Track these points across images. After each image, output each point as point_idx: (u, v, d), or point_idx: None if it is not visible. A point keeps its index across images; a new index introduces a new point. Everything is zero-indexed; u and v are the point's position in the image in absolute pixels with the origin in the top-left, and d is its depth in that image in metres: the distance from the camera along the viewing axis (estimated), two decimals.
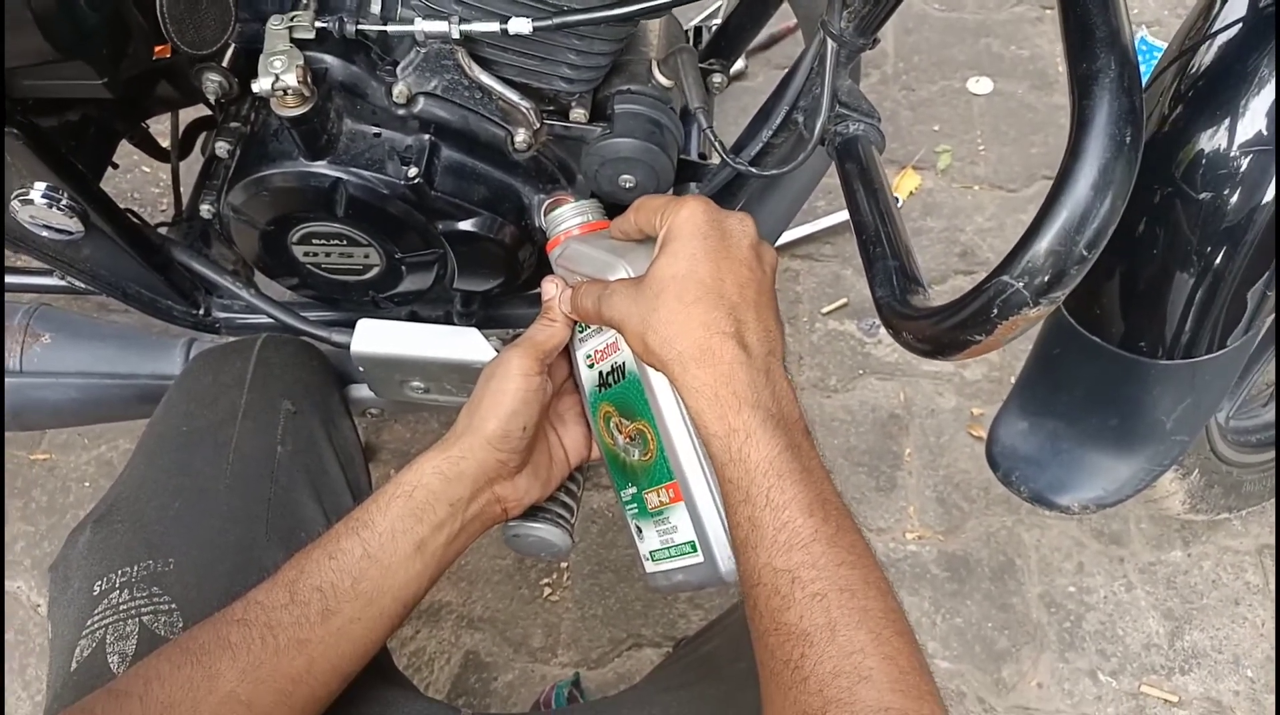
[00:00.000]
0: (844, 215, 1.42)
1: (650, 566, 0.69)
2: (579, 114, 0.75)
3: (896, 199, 1.43)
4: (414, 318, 0.92)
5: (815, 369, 1.32)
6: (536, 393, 0.65)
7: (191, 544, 0.70)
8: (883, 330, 1.37)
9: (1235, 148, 0.68)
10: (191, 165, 0.91)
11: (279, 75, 0.65)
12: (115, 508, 0.74)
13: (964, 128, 1.55)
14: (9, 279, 0.92)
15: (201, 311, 0.93)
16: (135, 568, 0.68)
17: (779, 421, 0.55)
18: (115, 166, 0.93)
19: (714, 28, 0.94)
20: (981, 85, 1.59)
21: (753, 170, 0.74)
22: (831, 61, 0.69)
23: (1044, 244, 0.45)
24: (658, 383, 0.62)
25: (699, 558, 0.63)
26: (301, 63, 0.66)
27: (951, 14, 1.69)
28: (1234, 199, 0.69)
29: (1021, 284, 0.45)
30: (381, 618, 0.62)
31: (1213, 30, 0.70)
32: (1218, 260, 0.72)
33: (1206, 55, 0.70)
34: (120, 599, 0.67)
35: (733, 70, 1.54)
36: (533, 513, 0.73)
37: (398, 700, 0.70)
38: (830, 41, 0.69)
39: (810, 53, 0.72)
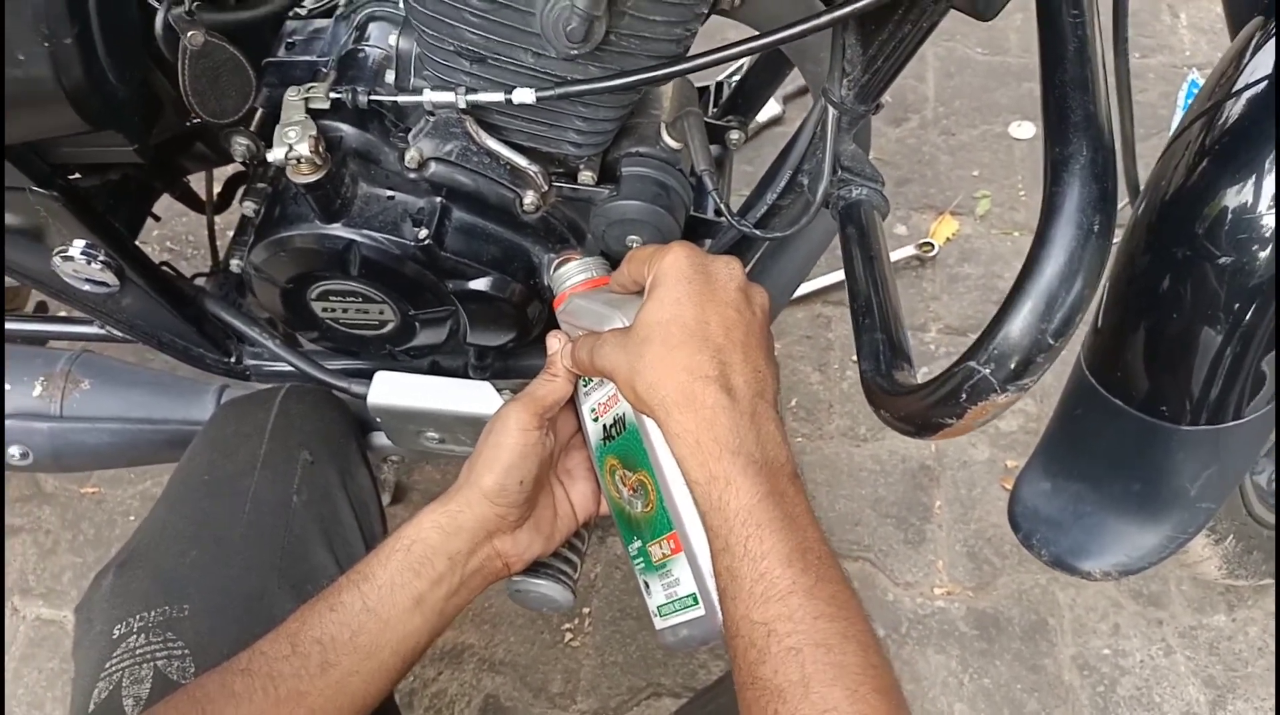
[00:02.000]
0: None
1: (659, 623, 0.68)
2: (587, 176, 0.77)
3: (932, 245, 1.42)
4: (435, 367, 0.94)
5: (845, 417, 1.31)
6: (535, 447, 0.66)
7: (206, 591, 0.72)
8: (914, 378, 1.35)
9: (1262, 206, 0.66)
10: (231, 217, 0.95)
11: (292, 145, 0.68)
12: (136, 553, 0.77)
13: (1004, 173, 1.53)
14: (55, 328, 0.96)
15: (233, 359, 0.96)
16: (152, 613, 0.71)
17: (761, 467, 0.54)
18: (157, 218, 0.98)
19: (733, 84, 0.95)
20: (1024, 130, 1.57)
21: (756, 232, 0.75)
22: (833, 128, 0.70)
23: (1011, 331, 0.45)
24: (653, 431, 0.62)
25: (701, 610, 0.63)
26: (315, 133, 0.69)
27: (995, 58, 1.67)
28: (1260, 259, 0.67)
29: (989, 371, 0.45)
30: (380, 671, 0.63)
31: (1239, 86, 0.69)
32: (1243, 324, 0.69)
33: (1233, 110, 0.69)
34: (137, 643, 0.69)
35: (769, 116, 1.56)
36: (535, 568, 0.74)
37: None
38: (831, 109, 0.69)
39: (813, 118, 0.72)
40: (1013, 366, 0.44)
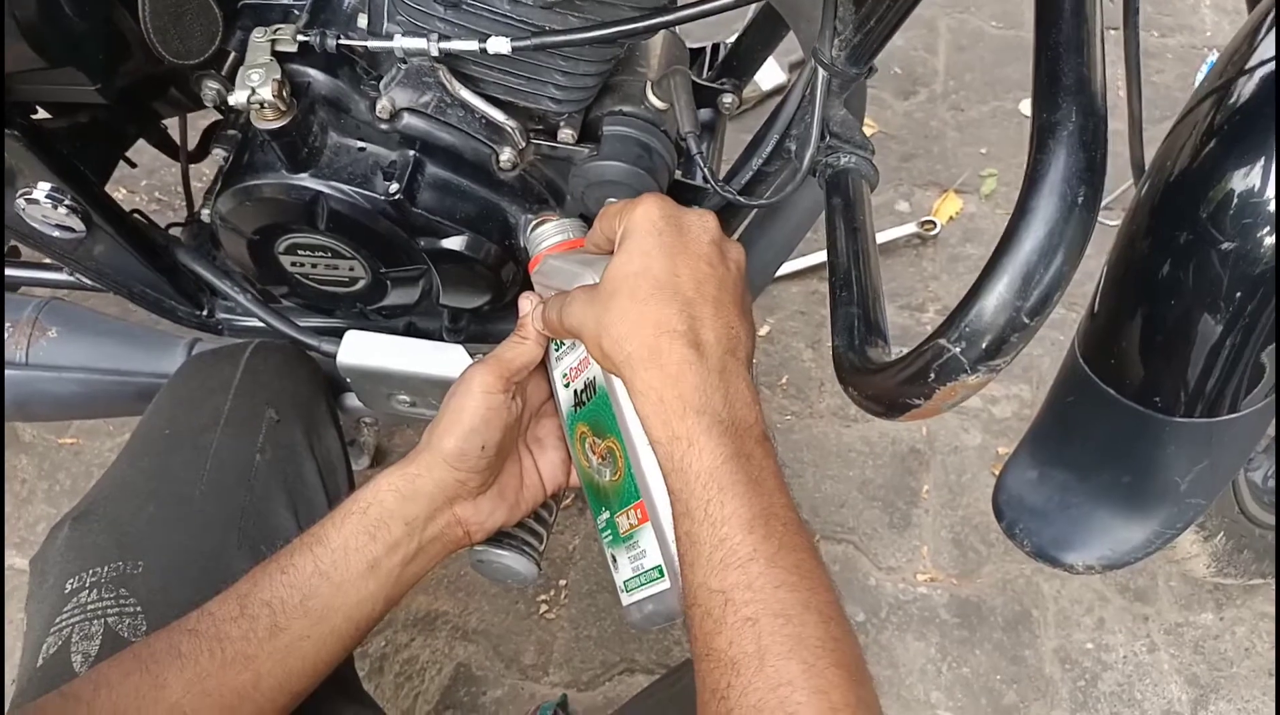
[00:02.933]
0: (882, 238, 1.38)
1: (625, 599, 0.66)
2: (567, 134, 0.74)
3: (934, 223, 1.38)
4: (411, 329, 0.91)
5: (836, 397, 1.28)
6: (498, 412, 0.63)
7: (162, 548, 0.71)
8: None
9: (1269, 191, 0.63)
10: (213, 166, 0.92)
11: (255, 89, 0.65)
12: (94, 506, 0.75)
13: (1013, 151, 1.49)
14: (24, 273, 0.94)
15: (205, 313, 0.94)
16: (106, 568, 0.69)
17: (727, 427, 0.52)
18: (132, 164, 0.95)
19: (728, 46, 0.91)
20: None
21: (740, 199, 0.72)
22: (822, 90, 0.66)
23: (984, 308, 0.42)
24: (622, 393, 0.59)
25: (666, 583, 0.60)
26: (279, 76, 0.66)
27: (1009, 31, 1.63)
28: (1265, 247, 0.64)
29: (959, 349, 0.42)
30: (332, 635, 0.61)
31: (1251, 64, 0.66)
32: (1243, 313, 0.67)
33: (1244, 89, 0.65)
34: (89, 599, 0.67)
35: (774, 84, 1.51)
36: (499, 539, 0.71)
37: None
38: (821, 70, 0.66)
39: (802, 80, 0.69)
40: (984, 346, 0.42)
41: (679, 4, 0.80)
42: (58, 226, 0.82)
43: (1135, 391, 0.72)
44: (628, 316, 0.55)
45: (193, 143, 0.94)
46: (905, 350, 0.56)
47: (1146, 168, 0.70)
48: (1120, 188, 1.34)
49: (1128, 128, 0.81)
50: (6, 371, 0.88)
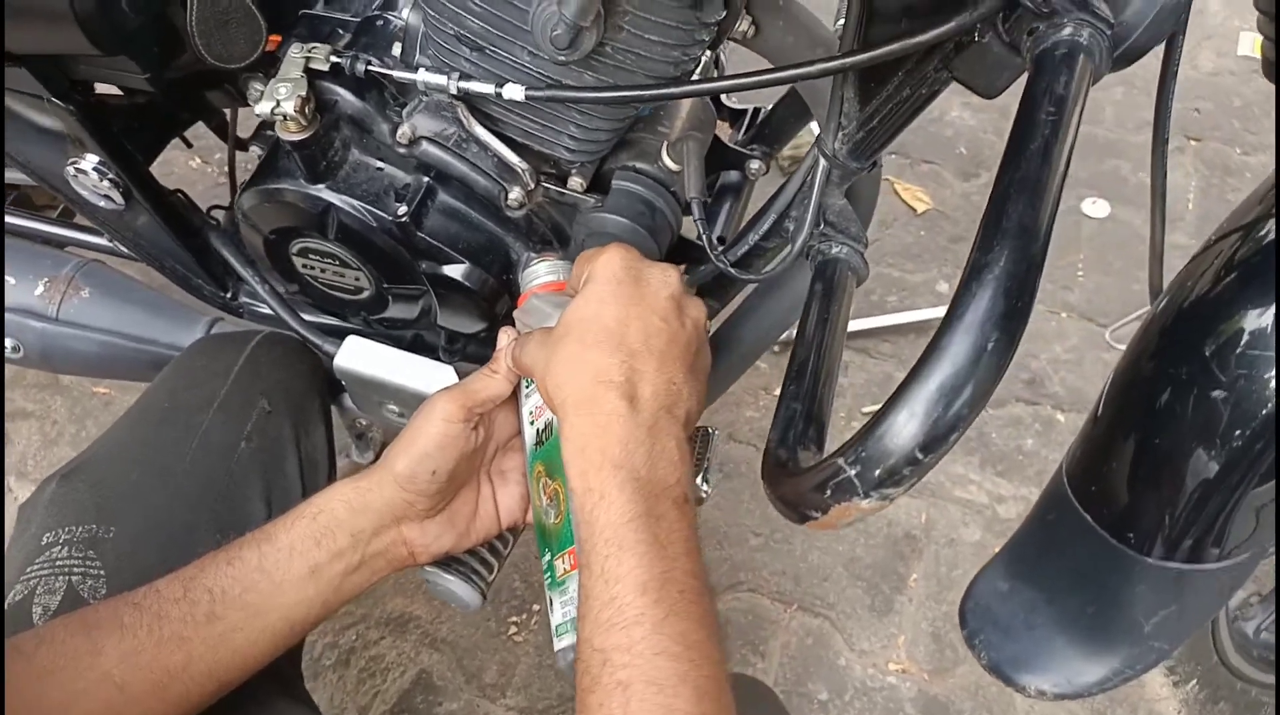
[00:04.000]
0: (911, 316, 1.37)
1: (556, 643, 0.66)
2: (576, 182, 0.76)
3: None
4: (416, 341, 0.94)
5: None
6: (456, 440, 0.64)
7: (136, 517, 0.74)
8: None
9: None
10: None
11: (280, 102, 0.68)
12: (84, 465, 0.79)
13: (1067, 249, 1.46)
14: (71, 233, 0.99)
15: (229, 295, 0.98)
16: (80, 528, 0.72)
17: (642, 485, 0.52)
18: (189, 145, 1.00)
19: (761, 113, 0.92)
20: (1098, 208, 1.49)
21: (730, 270, 0.72)
22: (821, 179, 0.67)
23: (883, 436, 0.42)
24: None
25: None
26: (304, 93, 0.69)
27: (1084, 127, 1.59)
28: (1268, 391, 0.62)
29: (854, 472, 0.42)
30: (266, 632, 0.63)
31: None
32: (1238, 458, 0.65)
33: (1269, 231, 0.64)
34: (59, 555, 0.71)
35: None
36: (448, 562, 0.73)
37: None
38: (823, 159, 0.66)
39: (804, 165, 0.69)
40: (877, 473, 0.42)
41: (715, 75, 0.81)
42: (102, 196, 0.87)
43: (1112, 523, 0.71)
44: (570, 361, 0.56)
45: (249, 133, 0.99)
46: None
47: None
48: (1139, 311, 1.30)
49: (1149, 251, 0.79)
50: (37, 323, 0.94)
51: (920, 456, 0.41)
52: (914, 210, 1.53)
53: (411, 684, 1.14)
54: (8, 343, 0.94)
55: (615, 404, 0.54)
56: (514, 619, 1.18)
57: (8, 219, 0.97)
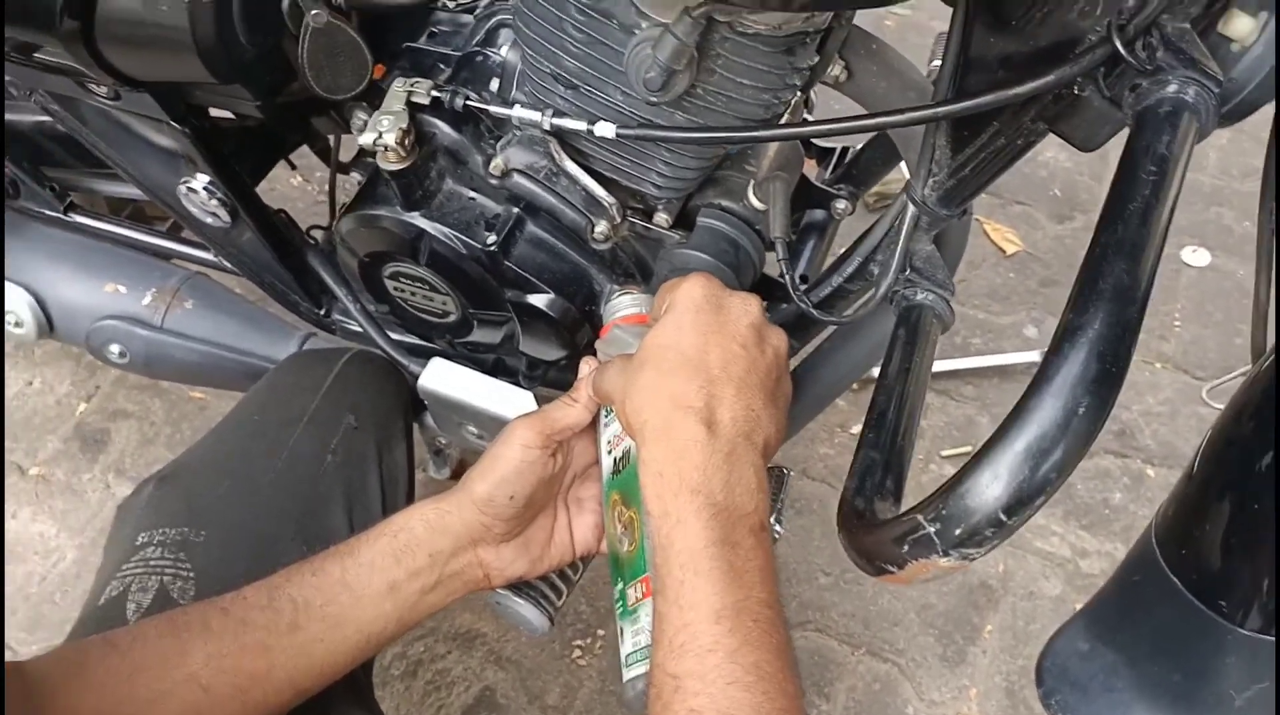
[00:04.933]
0: (996, 359, 1.34)
1: (624, 674, 0.66)
2: (662, 218, 0.77)
3: None
4: (499, 365, 0.96)
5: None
6: (534, 466, 0.65)
7: (225, 524, 0.77)
8: None
9: None
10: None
11: (381, 133, 0.71)
12: (179, 471, 0.83)
13: (1164, 297, 1.41)
14: (178, 247, 1.04)
15: (324, 312, 1.02)
16: (173, 531, 0.76)
17: (719, 511, 0.52)
18: (294, 167, 1.04)
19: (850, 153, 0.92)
20: (1199, 257, 1.44)
21: (812, 311, 0.72)
22: (909, 225, 0.67)
23: (965, 495, 0.41)
24: None
25: None
26: (405, 125, 0.71)
27: (1188, 174, 1.54)
28: None
29: (934, 530, 0.42)
30: (344, 644, 0.65)
31: None
32: None
33: None
34: (153, 555, 0.74)
35: None
36: (519, 587, 0.74)
37: None
38: (911, 205, 0.66)
39: (893, 209, 0.69)
40: (958, 532, 0.41)
41: (805, 116, 0.81)
42: (209, 214, 0.91)
43: (1202, 589, 0.68)
44: (649, 387, 0.56)
45: (349, 156, 1.03)
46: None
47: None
48: (1239, 371, 1.25)
49: (1253, 308, 0.77)
50: (143, 331, 0.99)
51: (1004, 518, 0.40)
52: (1003, 251, 1.50)
53: (475, 700, 1.15)
54: (115, 348, 0.99)
55: (694, 430, 0.54)
56: (578, 642, 1.19)
57: (122, 230, 1.03)
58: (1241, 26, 0.53)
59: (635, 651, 0.63)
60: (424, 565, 0.66)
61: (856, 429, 1.32)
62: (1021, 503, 0.40)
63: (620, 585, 0.66)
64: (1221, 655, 0.71)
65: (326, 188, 1.45)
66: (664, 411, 0.55)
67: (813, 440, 1.31)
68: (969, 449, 1.30)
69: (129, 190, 1.06)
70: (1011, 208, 1.55)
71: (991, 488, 0.40)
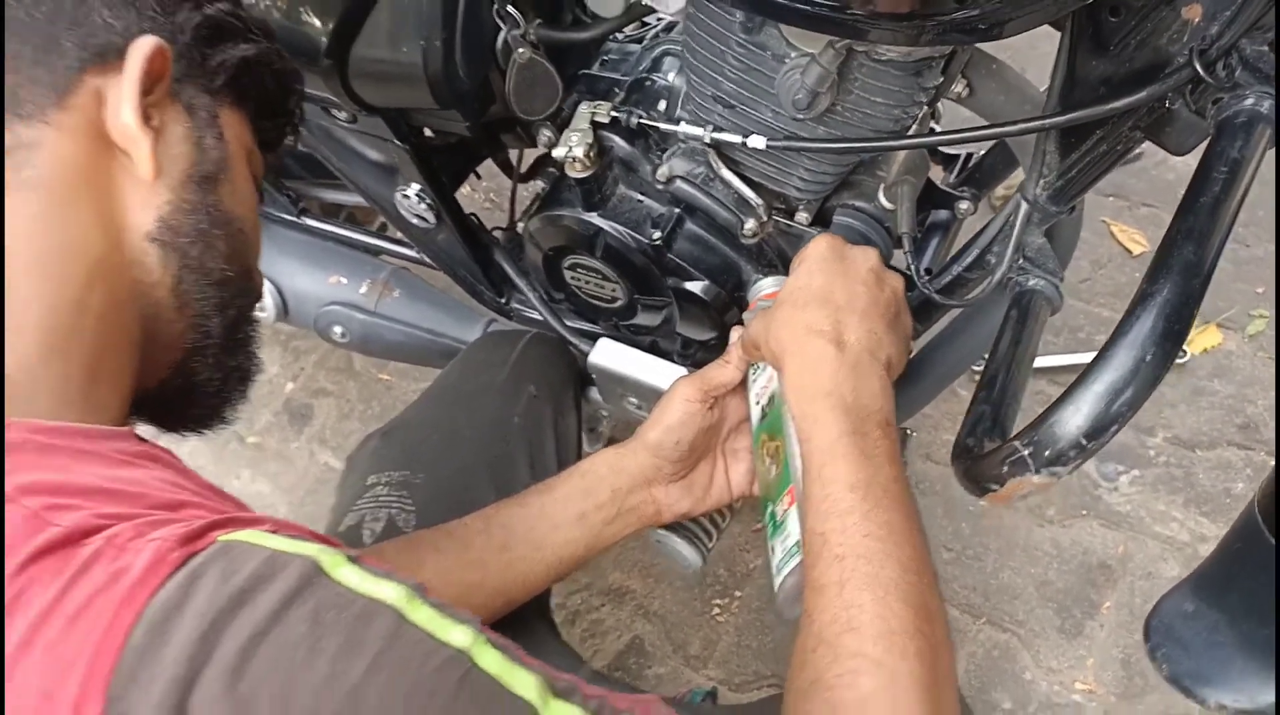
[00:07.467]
0: None
1: (775, 583, 0.72)
2: (802, 216, 0.89)
3: (1184, 351, 1.38)
4: (654, 347, 1.10)
5: (1036, 496, 1.32)
6: (694, 417, 0.78)
7: (436, 468, 0.94)
8: (1123, 479, 1.33)
9: None
10: (534, 187, 1.17)
11: (571, 148, 0.86)
12: (398, 427, 1.00)
13: None
14: (385, 244, 1.23)
15: (504, 300, 1.19)
16: (397, 474, 0.93)
17: (849, 410, 0.63)
18: (479, 177, 1.22)
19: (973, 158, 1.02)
20: None
21: (936, 297, 0.83)
22: (1022, 220, 0.77)
23: (1055, 424, 0.52)
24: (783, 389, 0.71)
25: (802, 556, 0.66)
26: (591, 140, 0.87)
27: None
28: None
29: (1028, 452, 0.53)
30: (541, 564, 0.80)
31: None
32: None
33: None
34: (382, 492, 0.91)
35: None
36: (678, 526, 0.88)
37: (543, 633, 0.88)
38: (1024, 203, 0.76)
39: (1009, 207, 0.79)
40: (1046, 454, 0.52)
41: (931, 127, 0.92)
42: (416, 216, 1.09)
43: None
44: (787, 320, 0.68)
45: (525, 166, 1.20)
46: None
47: None
48: None
49: None
50: (361, 315, 1.18)
51: (1084, 443, 0.51)
52: (1129, 252, 1.55)
53: (626, 647, 1.30)
54: (338, 329, 1.19)
55: (825, 348, 0.65)
56: (718, 601, 1.32)
57: (342, 230, 1.22)
58: None
59: (784, 557, 0.71)
60: (606, 500, 0.80)
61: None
62: (1099, 430, 0.51)
63: (770, 508, 0.75)
64: None
65: (495, 194, 1.64)
66: (799, 337, 0.67)
67: (936, 427, 1.40)
68: None
69: (347, 197, 1.27)
70: (1139, 209, 1.59)
71: (1075, 419, 0.51)
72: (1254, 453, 1.31)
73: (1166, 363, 0.50)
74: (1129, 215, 1.58)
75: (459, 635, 0.41)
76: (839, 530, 0.58)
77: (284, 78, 0.66)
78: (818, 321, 0.66)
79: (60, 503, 0.40)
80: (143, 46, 0.53)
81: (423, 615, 0.41)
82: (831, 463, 0.60)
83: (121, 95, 0.52)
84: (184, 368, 0.58)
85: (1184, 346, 1.38)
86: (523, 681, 0.42)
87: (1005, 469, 0.55)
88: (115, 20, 0.53)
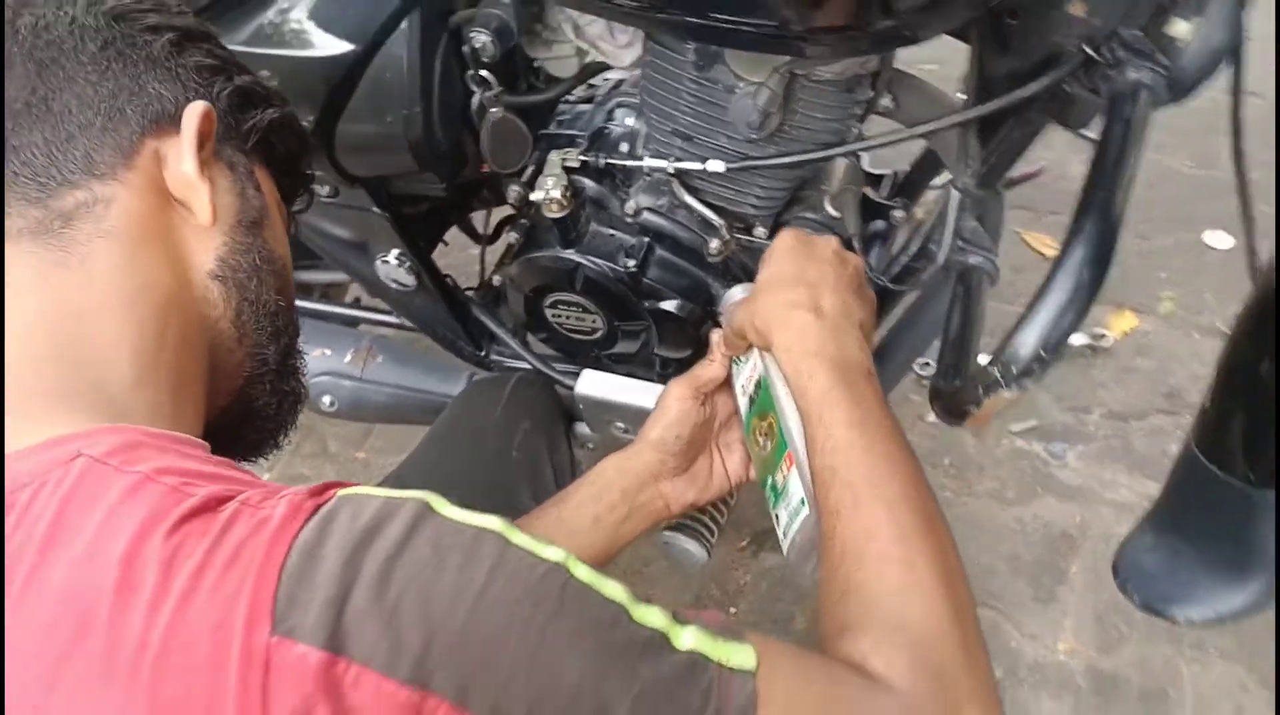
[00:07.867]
0: None
1: (784, 545, 0.76)
2: (760, 231, 0.99)
3: (1105, 335, 1.51)
4: (632, 376, 1.18)
5: (994, 481, 1.42)
6: (689, 413, 0.85)
7: None
8: (1070, 455, 1.44)
9: None
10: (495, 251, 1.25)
11: (548, 191, 0.95)
12: (398, 477, 1.05)
13: (1194, 278, 1.59)
14: (363, 313, 1.29)
15: (483, 353, 1.25)
16: None
17: (836, 364, 0.69)
18: (445, 243, 1.30)
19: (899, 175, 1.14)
20: (1219, 239, 1.62)
21: (889, 284, 0.93)
22: (954, 206, 0.88)
23: (1017, 346, 0.61)
24: (772, 370, 0.77)
25: (808, 511, 0.71)
26: (565, 183, 0.95)
27: (1202, 172, 1.74)
28: None
29: (999, 372, 0.62)
30: None
31: None
32: None
33: None
34: None
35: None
36: (681, 526, 0.94)
37: None
38: (955, 192, 0.87)
39: (943, 198, 0.90)
40: (1015, 371, 0.61)
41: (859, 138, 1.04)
42: (395, 281, 1.16)
43: (1234, 468, 0.86)
44: (768, 302, 0.76)
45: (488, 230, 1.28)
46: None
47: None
48: None
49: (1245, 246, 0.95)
50: (349, 382, 1.23)
51: (1044, 355, 0.60)
52: (1043, 256, 1.70)
53: None
54: (326, 399, 1.24)
55: (806, 317, 0.73)
56: (733, 609, 1.36)
57: (320, 306, 1.28)
58: (1181, 29, 0.75)
59: (790, 518, 0.76)
60: (618, 500, 0.86)
61: (932, 419, 1.50)
62: (1053, 344, 0.60)
63: (769, 480, 0.80)
64: (1258, 518, 0.88)
65: (453, 268, 1.71)
66: (782, 313, 0.74)
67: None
68: (1035, 424, 1.48)
69: (319, 276, 1.33)
70: (1046, 218, 1.75)
71: (1032, 337, 0.60)
72: (1180, 417, 1.44)
73: (1097, 284, 0.60)
74: (1038, 224, 1.74)
75: (553, 552, 0.48)
76: (845, 462, 0.65)
77: (300, 140, 0.73)
78: (796, 298, 0.74)
79: (191, 482, 0.46)
80: (196, 109, 0.60)
81: (520, 538, 0.47)
82: (829, 407, 0.68)
83: (181, 152, 0.59)
84: (243, 394, 0.64)
85: (1105, 331, 1.52)
86: (612, 589, 0.48)
87: (981, 391, 0.63)
88: (165, 91, 0.61)
